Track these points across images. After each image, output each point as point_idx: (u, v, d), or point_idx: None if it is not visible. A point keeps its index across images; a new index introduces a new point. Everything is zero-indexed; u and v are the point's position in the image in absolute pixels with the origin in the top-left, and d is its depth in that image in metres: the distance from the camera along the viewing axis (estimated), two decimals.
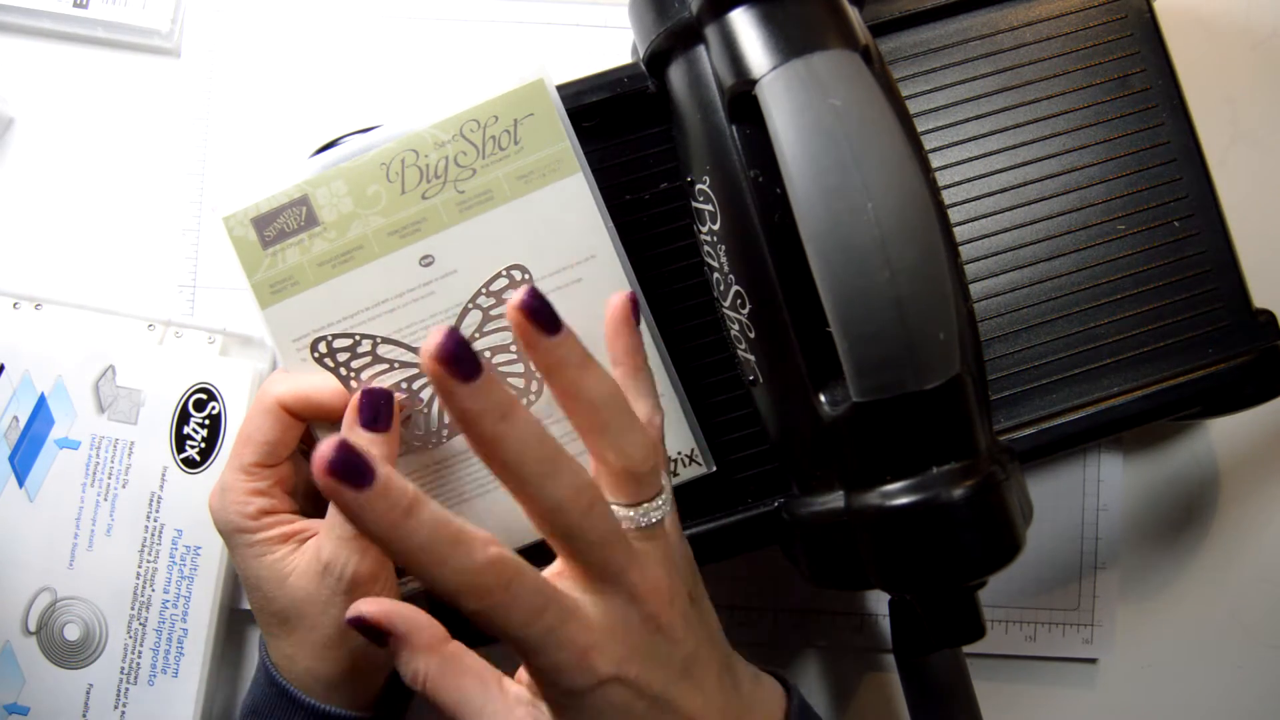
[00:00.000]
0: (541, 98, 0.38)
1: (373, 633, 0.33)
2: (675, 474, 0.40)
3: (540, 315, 0.30)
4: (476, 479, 0.40)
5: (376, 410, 0.37)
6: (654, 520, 0.33)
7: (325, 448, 0.26)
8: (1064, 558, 0.49)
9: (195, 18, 0.49)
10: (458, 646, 0.34)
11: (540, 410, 0.39)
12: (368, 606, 0.33)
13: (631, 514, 0.33)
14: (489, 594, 0.29)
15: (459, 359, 0.27)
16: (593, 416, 0.31)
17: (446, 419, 0.39)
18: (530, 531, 0.39)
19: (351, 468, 0.26)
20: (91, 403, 0.45)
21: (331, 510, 0.37)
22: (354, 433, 0.37)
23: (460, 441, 0.39)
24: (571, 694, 0.31)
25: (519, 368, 0.39)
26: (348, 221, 0.38)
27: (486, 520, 0.40)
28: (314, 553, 0.37)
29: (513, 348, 0.38)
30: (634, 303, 0.36)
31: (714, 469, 0.40)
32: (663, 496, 0.34)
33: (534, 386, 0.39)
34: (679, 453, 0.40)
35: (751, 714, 0.36)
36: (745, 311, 0.38)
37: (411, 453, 0.39)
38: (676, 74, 0.38)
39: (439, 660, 0.33)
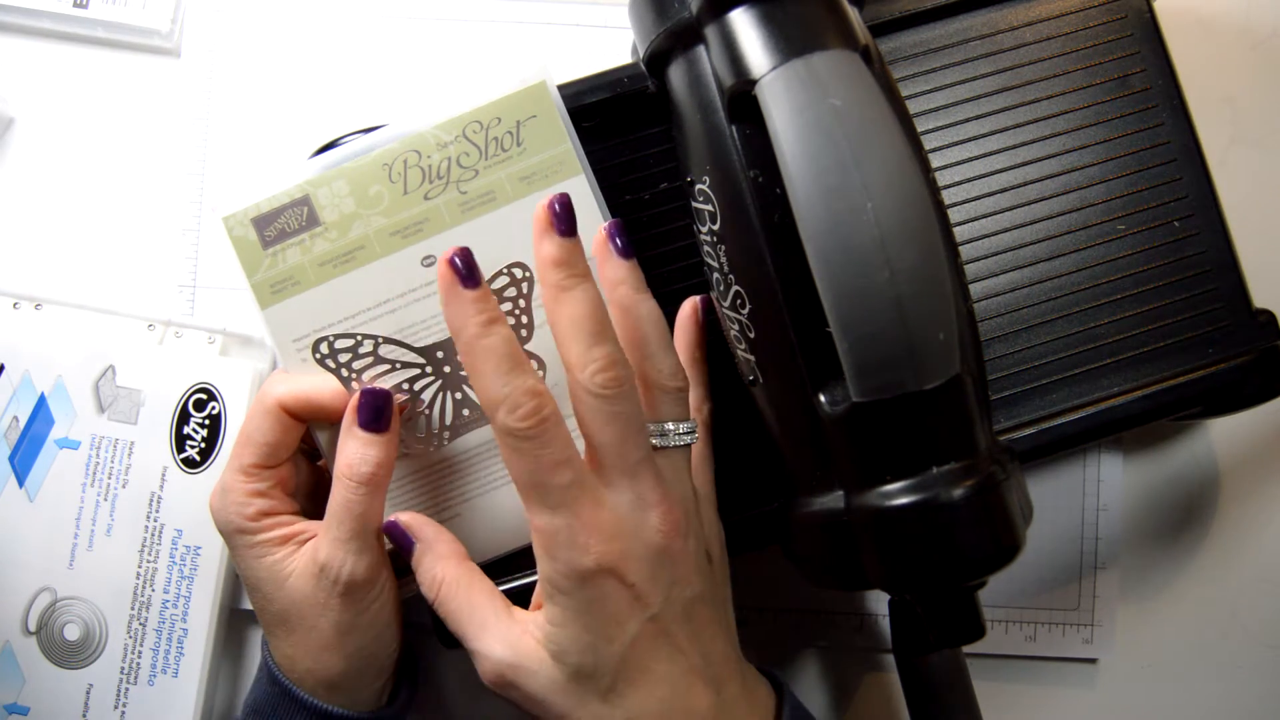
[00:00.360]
0: (544, 99, 0.38)
1: (401, 538, 0.37)
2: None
3: (617, 240, 0.36)
4: (478, 481, 0.40)
5: (376, 411, 0.37)
6: (671, 443, 0.35)
7: (451, 250, 0.33)
8: (1064, 558, 0.49)
9: (195, 18, 0.49)
10: (475, 567, 0.37)
11: None
12: (404, 515, 0.38)
13: (652, 427, 0.35)
14: (524, 418, 0.32)
15: (563, 217, 0.35)
16: (636, 330, 0.35)
17: (448, 420, 0.39)
18: (522, 536, 0.40)
19: (467, 268, 0.34)
20: (91, 403, 0.45)
21: (329, 512, 0.37)
22: (352, 434, 0.37)
23: (461, 443, 0.39)
24: (568, 575, 0.33)
25: None
26: (349, 222, 0.38)
27: (486, 521, 0.40)
28: (311, 554, 0.37)
29: None
30: (705, 307, 0.40)
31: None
32: (685, 426, 0.36)
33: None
34: None
35: (747, 703, 0.36)
36: (745, 311, 0.38)
37: (413, 455, 0.39)
38: (676, 74, 0.38)
39: (455, 569, 0.36)
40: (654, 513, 0.34)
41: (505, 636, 0.35)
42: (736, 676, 0.37)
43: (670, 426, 0.36)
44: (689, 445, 0.36)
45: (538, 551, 0.34)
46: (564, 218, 0.34)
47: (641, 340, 0.35)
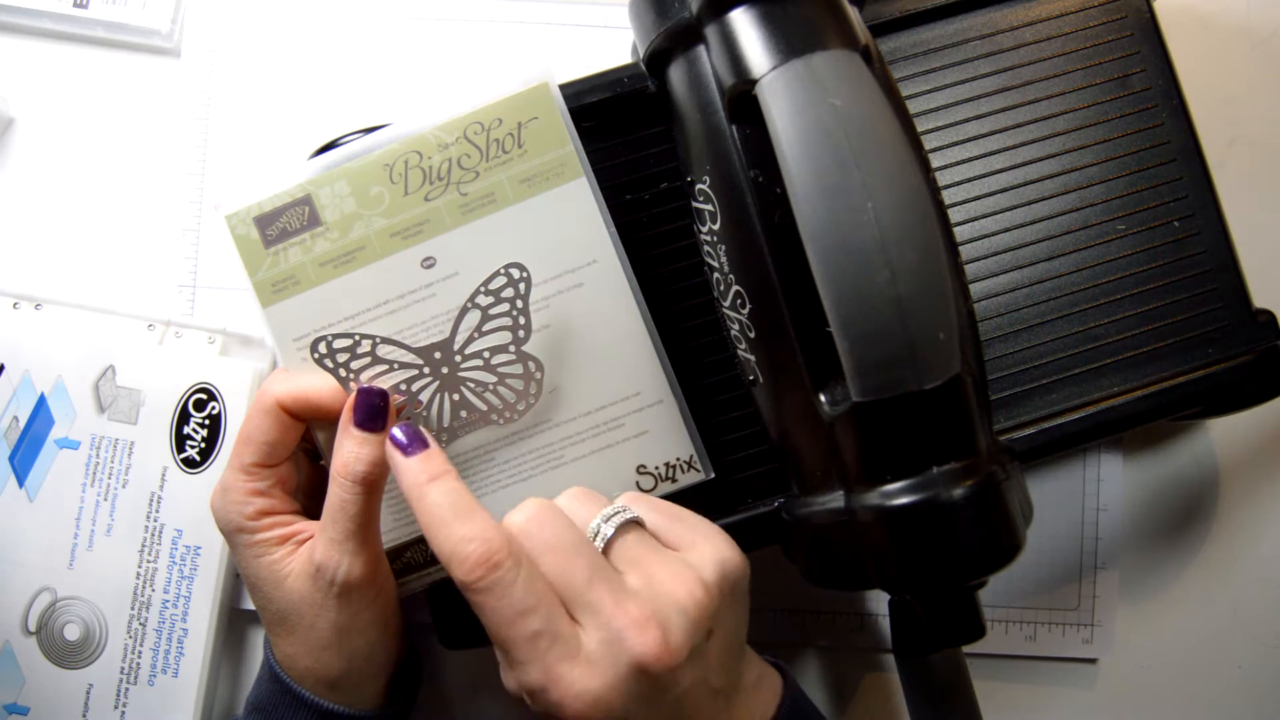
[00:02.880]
0: (546, 101, 0.38)
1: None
2: (674, 480, 0.40)
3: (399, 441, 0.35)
4: (475, 484, 0.40)
5: (372, 410, 0.37)
6: (611, 534, 0.34)
7: (399, 430, 0.35)
8: (1064, 558, 0.49)
9: (195, 18, 0.49)
10: None
11: (539, 412, 0.39)
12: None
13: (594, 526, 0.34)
14: (472, 569, 0.31)
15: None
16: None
17: (446, 422, 0.39)
18: None
19: (407, 439, 0.35)
20: (91, 403, 0.45)
21: (325, 512, 0.37)
22: (348, 433, 0.36)
23: (459, 445, 0.39)
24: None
25: (517, 368, 0.39)
26: (350, 222, 0.38)
27: None
28: (308, 554, 0.37)
29: (511, 348, 0.38)
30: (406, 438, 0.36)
31: (712, 475, 0.40)
32: (610, 510, 0.35)
33: (532, 389, 0.39)
34: (677, 459, 0.40)
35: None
36: (745, 311, 0.38)
37: None
38: (676, 74, 0.38)
39: None
40: (631, 641, 0.31)
41: None
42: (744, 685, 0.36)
43: (596, 524, 0.34)
44: (633, 521, 0.35)
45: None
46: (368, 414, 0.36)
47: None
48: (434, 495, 0.33)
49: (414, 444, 0.34)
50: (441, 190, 0.38)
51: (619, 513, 0.35)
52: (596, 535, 0.34)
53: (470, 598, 0.32)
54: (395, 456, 0.34)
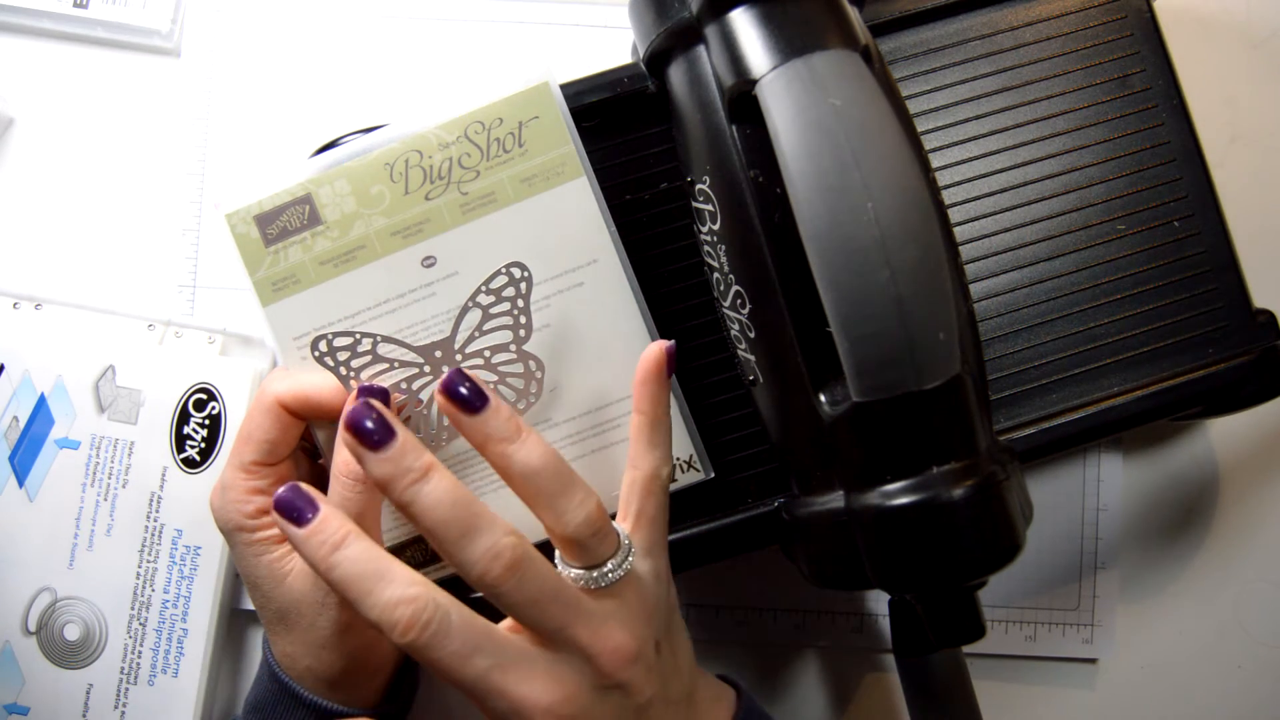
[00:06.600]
0: (547, 101, 0.38)
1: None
2: (673, 479, 0.40)
3: (461, 390, 0.33)
4: (475, 482, 0.40)
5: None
6: (608, 582, 0.34)
7: (281, 492, 0.32)
8: (1064, 558, 0.49)
9: (195, 18, 0.49)
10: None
11: (539, 411, 0.39)
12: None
13: (582, 575, 0.34)
14: (411, 631, 0.31)
15: (364, 430, 0.32)
16: (525, 486, 0.33)
17: (445, 420, 0.39)
18: (531, 533, 0.40)
19: (294, 506, 0.32)
20: (91, 403, 0.45)
21: None
22: None
23: (459, 444, 0.39)
24: None
25: (518, 367, 0.39)
26: (350, 221, 0.38)
27: None
28: None
29: (511, 347, 0.38)
30: (670, 356, 0.36)
31: (712, 475, 0.40)
32: (616, 559, 0.34)
33: (533, 388, 0.39)
34: (677, 458, 0.40)
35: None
36: (745, 311, 0.38)
37: None
38: (676, 74, 0.38)
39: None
40: (597, 663, 0.33)
41: None
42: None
43: (600, 569, 0.34)
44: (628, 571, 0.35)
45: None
46: (374, 431, 0.32)
47: (535, 494, 0.33)
48: (344, 566, 0.31)
49: (306, 509, 0.32)
50: (442, 189, 0.38)
51: (618, 568, 0.34)
52: (594, 581, 0.34)
53: (417, 657, 0.32)
54: (289, 530, 0.32)
